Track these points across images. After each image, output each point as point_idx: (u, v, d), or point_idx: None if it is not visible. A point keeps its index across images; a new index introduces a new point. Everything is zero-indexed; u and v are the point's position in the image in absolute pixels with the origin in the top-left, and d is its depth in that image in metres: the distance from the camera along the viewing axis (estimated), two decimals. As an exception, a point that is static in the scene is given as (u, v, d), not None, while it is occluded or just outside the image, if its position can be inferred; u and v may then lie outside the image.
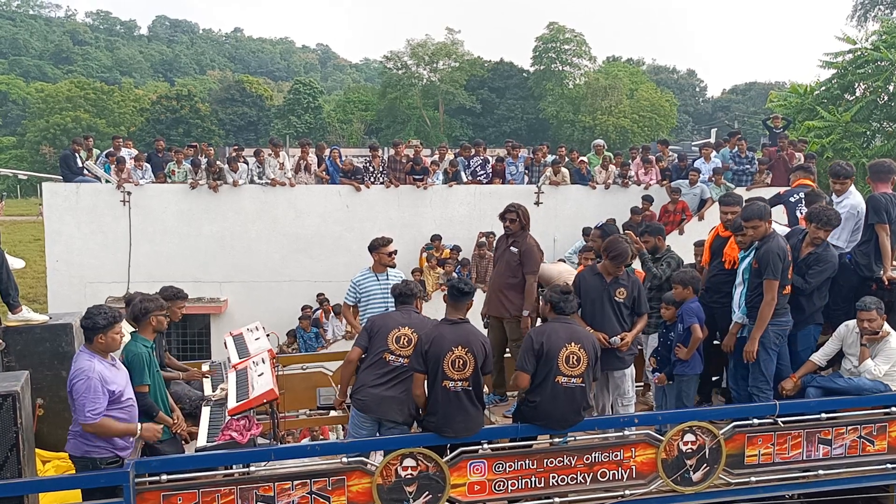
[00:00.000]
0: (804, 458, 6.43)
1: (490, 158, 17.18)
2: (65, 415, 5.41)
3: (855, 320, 6.70)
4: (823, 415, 6.48)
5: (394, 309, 6.60)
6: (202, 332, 15.41)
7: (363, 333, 6.22)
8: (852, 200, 7.44)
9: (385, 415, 5.99)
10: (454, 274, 15.02)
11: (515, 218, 7.62)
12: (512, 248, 7.62)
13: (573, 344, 5.82)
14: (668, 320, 7.18)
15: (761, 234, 6.62)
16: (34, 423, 5.75)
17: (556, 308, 6.03)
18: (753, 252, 6.68)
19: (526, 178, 16.99)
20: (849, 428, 6.53)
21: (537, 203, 16.25)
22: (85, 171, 15.67)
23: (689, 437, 6.12)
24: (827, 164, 15.95)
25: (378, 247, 8.07)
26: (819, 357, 6.92)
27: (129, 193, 15.34)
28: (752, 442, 6.30)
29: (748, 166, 16.59)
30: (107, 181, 15.51)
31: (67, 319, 7.08)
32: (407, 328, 6.06)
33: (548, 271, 7.84)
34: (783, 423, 6.39)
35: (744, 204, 6.99)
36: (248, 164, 16.15)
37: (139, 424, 5.59)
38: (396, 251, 8.23)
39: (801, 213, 7.78)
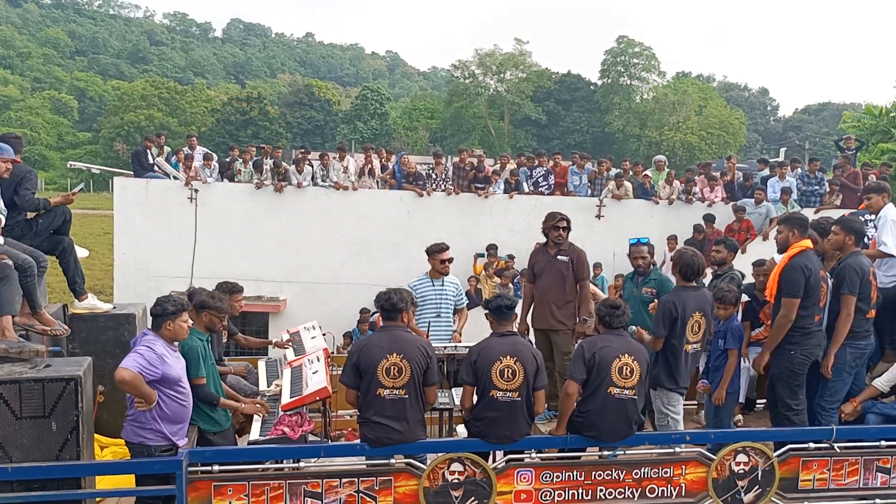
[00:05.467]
0: (861, 485, 6.21)
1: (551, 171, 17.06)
2: (124, 402, 5.55)
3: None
4: (883, 442, 6.26)
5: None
6: (260, 330, 15.59)
7: (349, 370, 5.65)
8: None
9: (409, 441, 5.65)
10: (511, 285, 14.98)
11: (566, 226, 7.46)
12: (560, 256, 7.41)
13: (627, 355, 5.77)
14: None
15: (837, 244, 6.52)
16: (94, 408, 5.90)
17: (604, 322, 5.98)
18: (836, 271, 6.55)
19: (589, 191, 16.87)
20: (909, 457, 6.32)
21: (598, 216, 16.14)
22: (155, 168, 16.05)
23: (741, 457, 5.99)
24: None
25: (432, 253, 8.12)
26: (882, 382, 6.74)
27: (196, 191, 15.67)
28: (806, 466, 6.12)
29: (817, 187, 16.21)
30: (175, 178, 15.88)
31: (131, 309, 7.28)
32: (395, 355, 5.49)
33: None
34: (840, 448, 6.21)
35: None
36: (312, 166, 16.38)
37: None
38: (451, 259, 8.25)
39: (871, 236, 7.57)
